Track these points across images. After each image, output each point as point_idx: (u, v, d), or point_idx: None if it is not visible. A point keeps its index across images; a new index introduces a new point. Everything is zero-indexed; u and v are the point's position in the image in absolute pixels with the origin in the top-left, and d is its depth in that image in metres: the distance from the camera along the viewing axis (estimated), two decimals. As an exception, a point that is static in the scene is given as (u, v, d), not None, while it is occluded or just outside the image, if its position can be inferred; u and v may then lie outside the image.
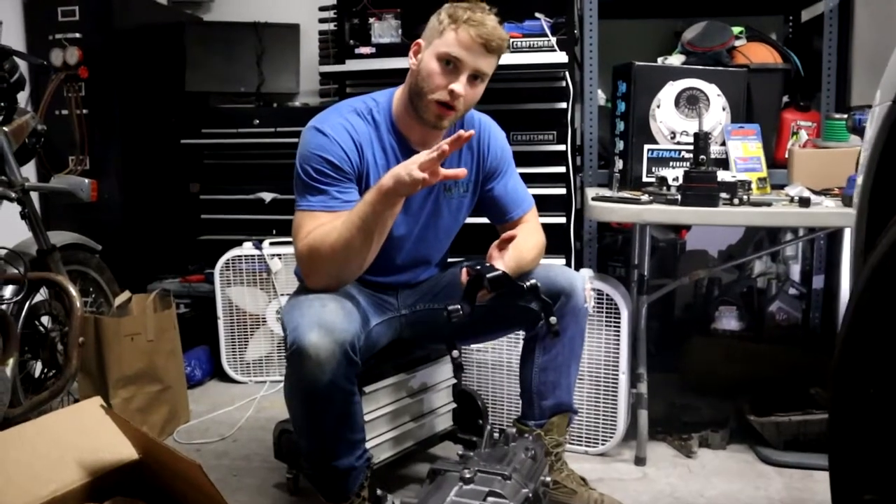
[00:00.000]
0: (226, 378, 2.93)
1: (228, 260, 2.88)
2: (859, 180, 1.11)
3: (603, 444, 2.22)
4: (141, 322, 2.30)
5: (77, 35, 2.94)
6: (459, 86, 1.63)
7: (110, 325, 2.22)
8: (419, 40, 1.70)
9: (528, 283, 1.55)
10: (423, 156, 1.48)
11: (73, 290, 1.99)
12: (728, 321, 2.86)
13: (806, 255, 2.93)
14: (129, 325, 2.26)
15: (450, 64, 1.62)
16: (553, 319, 1.58)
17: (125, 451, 1.44)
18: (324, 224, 1.59)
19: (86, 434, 1.44)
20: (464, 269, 1.58)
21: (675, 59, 2.62)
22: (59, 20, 2.95)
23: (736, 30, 2.66)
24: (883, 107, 0.99)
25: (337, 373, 1.48)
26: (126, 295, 2.40)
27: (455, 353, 1.55)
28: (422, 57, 1.67)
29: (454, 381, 2.10)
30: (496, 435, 1.56)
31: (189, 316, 2.97)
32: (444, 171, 1.49)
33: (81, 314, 1.98)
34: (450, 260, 2.03)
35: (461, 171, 1.55)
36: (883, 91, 1.00)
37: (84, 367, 2.22)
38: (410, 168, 1.48)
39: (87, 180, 2.32)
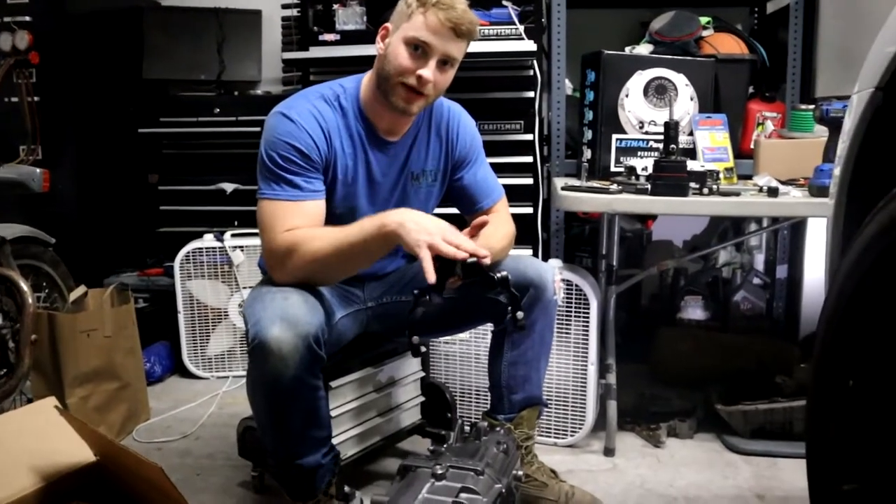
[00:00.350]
0: (187, 374, 2.86)
1: (189, 252, 2.80)
2: (837, 171, 1.10)
3: (572, 436, 2.21)
4: (98, 318, 2.22)
5: (27, 18, 2.82)
6: (428, 71, 1.58)
7: (65, 321, 2.13)
8: (386, 24, 1.65)
9: (498, 275, 1.51)
10: (453, 234, 1.47)
11: (24, 286, 1.92)
12: (694, 311, 2.87)
13: (769, 246, 2.96)
14: (85, 321, 2.18)
15: (418, 49, 1.58)
16: (520, 314, 1.54)
17: (82, 453, 1.38)
18: (303, 224, 1.55)
19: (40, 436, 1.38)
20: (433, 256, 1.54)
21: (643, 49, 2.61)
22: (8, 2, 2.82)
23: (703, 20, 2.66)
24: (864, 94, 0.97)
25: (301, 367, 1.44)
26: (82, 290, 2.32)
27: (415, 338, 1.49)
28: (389, 41, 1.62)
29: (422, 374, 2.07)
30: (467, 428, 1.52)
31: (148, 311, 2.89)
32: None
33: (34, 310, 1.91)
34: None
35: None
36: (863, 78, 0.99)
37: (38, 366, 2.14)
38: (432, 234, 1.45)
39: (38, 170, 2.23)
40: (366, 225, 1.51)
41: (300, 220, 1.57)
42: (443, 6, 1.55)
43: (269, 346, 1.41)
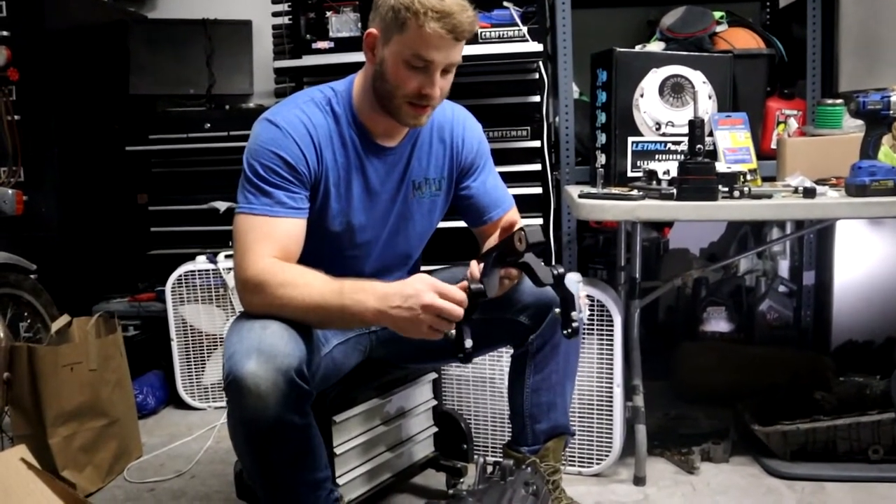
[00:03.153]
0: (182, 405, 2.70)
1: (181, 275, 2.65)
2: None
3: (598, 464, 2.04)
4: (82, 349, 2.06)
5: (5, 33, 2.69)
6: (434, 87, 1.43)
7: (46, 354, 1.97)
8: (372, 30, 1.46)
9: (556, 271, 1.36)
10: (432, 292, 1.28)
11: (-6, 319, 1.76)
12: (717, 323, 2.72)
13: (794, 251, 2.81)
14: (68, 354, 2.01)
15: (419, 66, 1.42)
16: (576, 315, 1.39)
17: (54, 510, 1.22)
18: (279, 249, 1.39)
19: (6, 493, 1.22)
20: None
21: (655, 47, 2.48)
22: (-16, 17, 2.70)
23: (717, 14, 2.53)
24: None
25: (283, 406, 1.27)
26: (65, 319, 2.16)
27: (468, 341, 1.29)
28: (382, 56, 1.44)
29: (434, 402, 1.91)
30: (489, 468, 1.36)
31: (139, 339, 2.75)
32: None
33: (6, 346, 1.75)
34: (423, 269, 1.83)
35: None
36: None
37: (17, 403, 1.98)
38: (421, 311, 1.27)
39: (10, 191, 2.09)
40: (346, 297, 1.33)
41: (276, 244, 1.40)
42: (437, 13, 1.37)
43: (244, 384, 1.25)
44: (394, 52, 1.42)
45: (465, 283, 1.32)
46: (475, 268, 1.39)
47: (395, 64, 1.42)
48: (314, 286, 1.35)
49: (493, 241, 1.49)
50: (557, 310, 1.44)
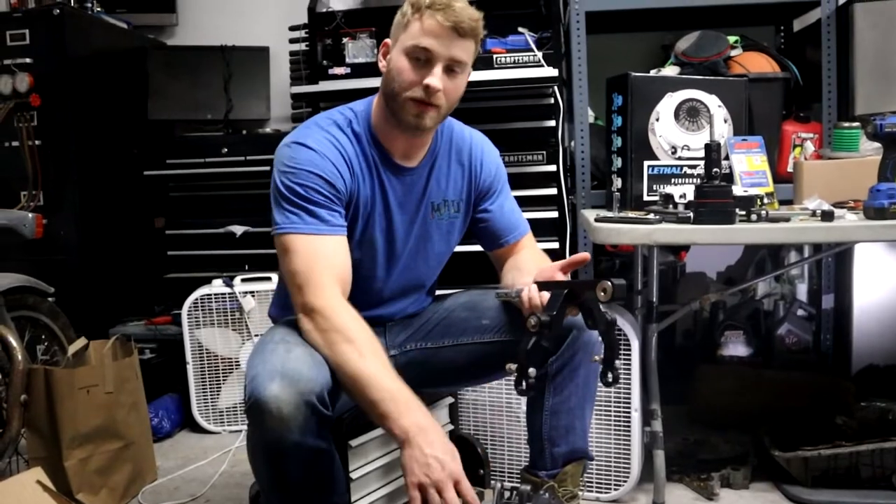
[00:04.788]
0: (197, 428, 2.70)
1: (197, 299, 2.66)
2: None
3: (616, 490, 2.02)
4: (98, 372, 2.06)
5: (27, 60, 2.74)
6: (435, 79, 1.44)
7: (62, 377, 1.98)
8: (386, 40, 1.52)
9: (610, 316, 1.36)
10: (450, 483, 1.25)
11: (12, 341, 1.77)
12: (735, 347, 2.69)
13: (812, 274, 2.79)
14: (84, 377, 2.02)
15: (420, 58, 1.44)
16: (617, 364, 1.38)
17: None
18: (335, 276, 1.41)
19: (23, 514, 1.22)
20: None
21: (670, 71, 2.48)
22: (8, 44, 2.75)
23: (731, 39, 2.54)
24: None
25: (304, 430, 1.27)
26: (82, 342, 2.17)
27: (532, 370, 1.31)
28: (390, 57, 1.49)
29: (451, 426, 1.90)
30: (507, 493, 1.35)
31: (155, 362, 2.76)
32: None
33: (23, 369, 1.75)
34: (439, 292, 1.83)
35: None
36: None
37: (34, 426, 1.98)
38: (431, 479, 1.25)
39: (30, 214, 2.10)
40: (386, 397, 1.31)
41: (333, 269, 1.42)
42: (438, 6, 1.41)
43: (266, 407, 1.25)
44: (398, 49, 1.46)
45: (534, 312, 1.35)
46: (536, 295, 1.37)
47: (399, 58, 1.46)
48: (372, 364, 1.33)
49: (543, 269, 1.49)
50: (598, 357, 1.44)
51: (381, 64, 1.52)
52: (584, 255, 1.45)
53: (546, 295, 1.39)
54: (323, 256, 1.42)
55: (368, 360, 1.34)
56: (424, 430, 1.27)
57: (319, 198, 1.44)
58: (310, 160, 1.45)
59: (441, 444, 1.27)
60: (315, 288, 1.39)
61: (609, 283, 1.29)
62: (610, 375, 1.38)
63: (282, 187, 1.45)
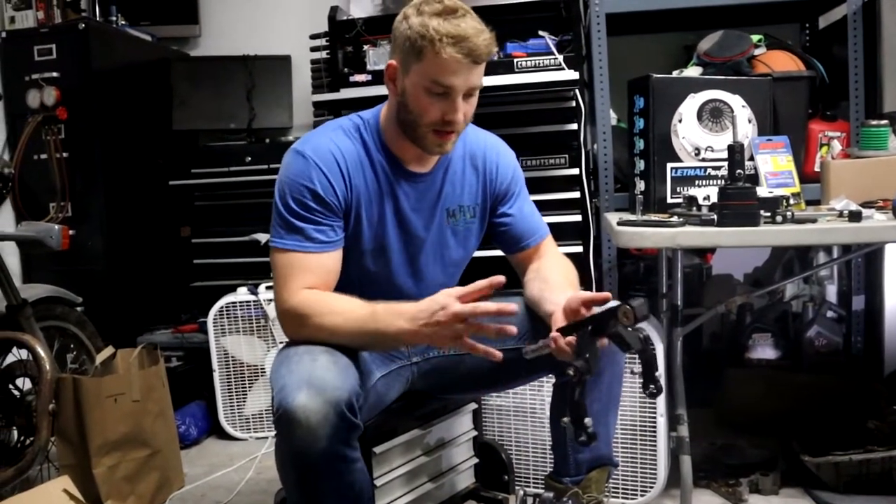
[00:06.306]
0: (224, 435, 2.71)
1: (223, 307, 2.68)
2: None
3: (642, 496, 2.00)
4: (125, 381, 2.09)
5: (54, 74, 2.80)
6: (457, 113, 1.44)
7: (90, 385, 2.00)
8: (391, 61, 1.48)
9: (642, 334, 1.34)
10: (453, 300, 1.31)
11: (41, 351, 1.79)
12: (763, 350, 2.65)
13: (842, 275, 2.74)
14: (112, 385, 2.05)
15: (439, 92, 1.42)
16: (658, 376, 1.36)
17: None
18: (316, 281, 1.44)
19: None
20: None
21: (692, 72, 2.45)
22: (36, 59, 2.82)
23: (755, 38, 2.50)
24: None
25: (333, 438, 1.27)
26: (109, 351, 2.20)
27: (588, 420, 1.31)
28: (403, 86, 1.46)
29: (475, 433, 1.89)
30: (531, 500, 1.34)
31: (182, 369, 2.79)
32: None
33: (52, 378, 1.78)
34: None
35: (496, 354, 1.36)
36: None
37: (63, 434, 2.02)
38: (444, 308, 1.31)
39: (57, 226, 2.13)
40: (380, 322, 1.38)
41: (312, 275, 1.45)
42: (452, 38, 1.37)
43: (295, 416, 1.25)
44: (414, 82, 1.44)
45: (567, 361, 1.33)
46: (563, 344, 1.35)
47: (416, 93, 1.44)
48: (349, 313, 1.39)
49: (570, 300, 1.42)
50: (635, 371, 1.41)
51: (390, 87, 1.50)
52: (606, 294, 1.41)
53: (572, 339, 1.37)
54: (300, 271, 1.44)
55: (346, 314, 1.40)
56: (417, 315, 1.34)
57: (307, 212, 1.45)
58: (300, 171, 1.46)
59: (430, 305, 1.34)
60: (282, 295, 1.45)
61: (628, 306, 1.27)
62: (653, 387, 1.35)
63: (277, 198, 1.48)
